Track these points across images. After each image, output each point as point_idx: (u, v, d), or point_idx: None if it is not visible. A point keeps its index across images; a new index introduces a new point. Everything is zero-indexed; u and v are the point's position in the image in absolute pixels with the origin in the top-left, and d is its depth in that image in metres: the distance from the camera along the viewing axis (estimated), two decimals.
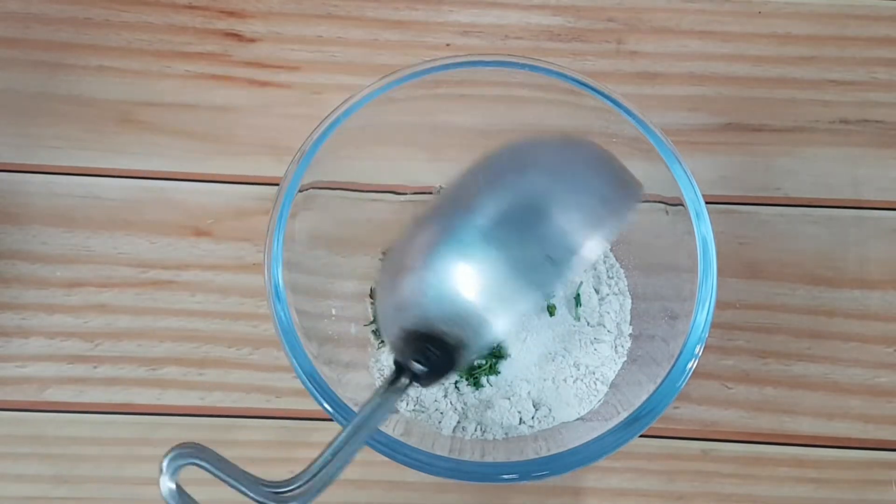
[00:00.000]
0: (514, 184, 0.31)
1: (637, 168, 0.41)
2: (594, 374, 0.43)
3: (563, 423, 0.42)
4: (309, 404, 0.37)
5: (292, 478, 0.28)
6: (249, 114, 0.51)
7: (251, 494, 0.27)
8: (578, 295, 0.44)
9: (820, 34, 0.53)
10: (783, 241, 0.49)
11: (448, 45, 0.52)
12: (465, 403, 0.42)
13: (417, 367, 0.29)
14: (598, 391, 0.42)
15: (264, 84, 0.51)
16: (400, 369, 0.30)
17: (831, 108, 0.52)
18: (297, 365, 0.35)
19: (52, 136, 0.50)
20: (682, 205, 0.39)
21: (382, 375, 0.43)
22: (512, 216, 0.30)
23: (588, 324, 0.44)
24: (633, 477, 0.45)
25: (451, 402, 0.42)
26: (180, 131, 0.50)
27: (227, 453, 0.44)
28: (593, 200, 0.31)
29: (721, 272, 0.39)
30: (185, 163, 0.50)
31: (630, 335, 0.44)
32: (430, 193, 0.47)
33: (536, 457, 0.37)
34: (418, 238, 0.31)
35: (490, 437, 0.41)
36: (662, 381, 0.37)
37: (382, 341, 0.44)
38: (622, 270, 0.45)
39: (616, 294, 0.45)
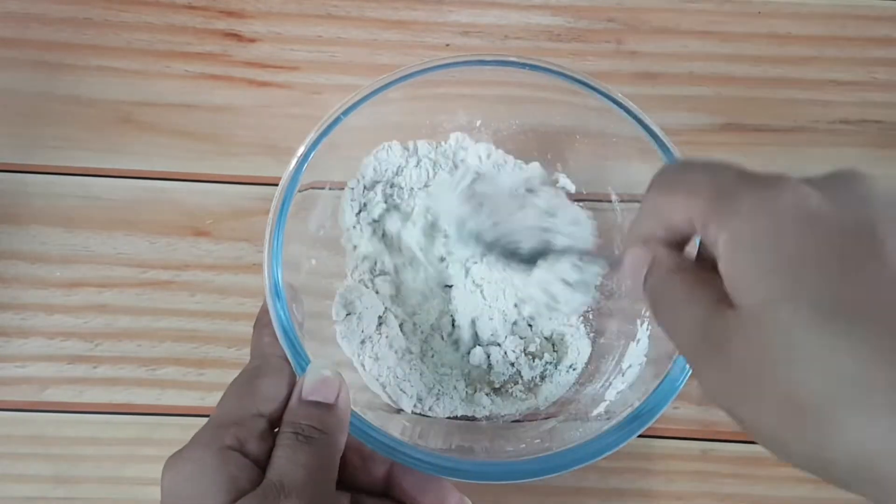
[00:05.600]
0: None
1: (637, 168, 0.41)
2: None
3: (563, 421, 0.42)
4: None
5: None
6: (249, 114, 0.51)
7: None
8: None
9: (820, 34, 0.53)
10: None
11: (448, 45, 0.52)
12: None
13: None
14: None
15: (264, 84, 0.51)
16: None
17: (831, 108, 0.52)
18: (296, 365, 0.35)
19: (52, 136, 0.50)
20: None
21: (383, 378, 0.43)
22: None
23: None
24: (633, 477, 0.45)
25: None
26: (180, 131, 0.50)
27: None
28: None
29: None
30: (185, 163, 0.50)
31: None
32: None
33: (536, 456, 0.37)
34: None
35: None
36: (662, 381, 0.37)
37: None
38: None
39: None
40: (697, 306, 0.24)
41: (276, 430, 0.33)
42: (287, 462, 0.30)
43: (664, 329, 0.26)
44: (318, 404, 0.32)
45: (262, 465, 0.31)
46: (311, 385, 0.33)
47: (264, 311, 0.37)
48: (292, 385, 0.34)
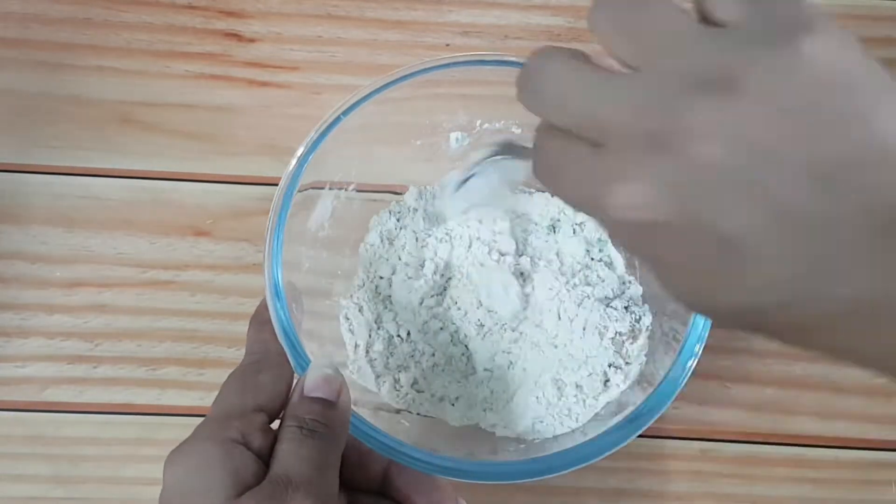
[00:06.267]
0: None
1: None
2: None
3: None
4: None
5: None
6: (249, 114, 0.51)
7: None
8: None
9: None
10: None
11: (448, 45, 0.52)
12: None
13: None
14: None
15: (264, 84, 0.51)
16: None
17: None
18: (296, 364, 0.35)
19: (52, 136, 0.50)
20: None
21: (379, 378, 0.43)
22: None
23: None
24: (633, 477, 0.45)
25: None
26: (180, 131, 0.50)
27: None
28: None
29: None
30: (184, 163, 0.50)
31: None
32: None
33: (537, 456, 0.37)
34: None
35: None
36: (662, 381, 0.37)
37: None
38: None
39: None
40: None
41: (275, 422, 0.33)
42: (292, 456, 0.30)
43: None
44: (320, 401, 0.32)
45: (264, 458, 0.31)
46: (313, 382, 0.33)
47: (263, 307, 0.37)
48: (291, 381, 0.34)
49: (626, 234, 0.24)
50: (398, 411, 0.42)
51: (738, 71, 0.21)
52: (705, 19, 0.23)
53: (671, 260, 0.23)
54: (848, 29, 0.22)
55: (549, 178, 0.26)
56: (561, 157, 0.25)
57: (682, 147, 0.21)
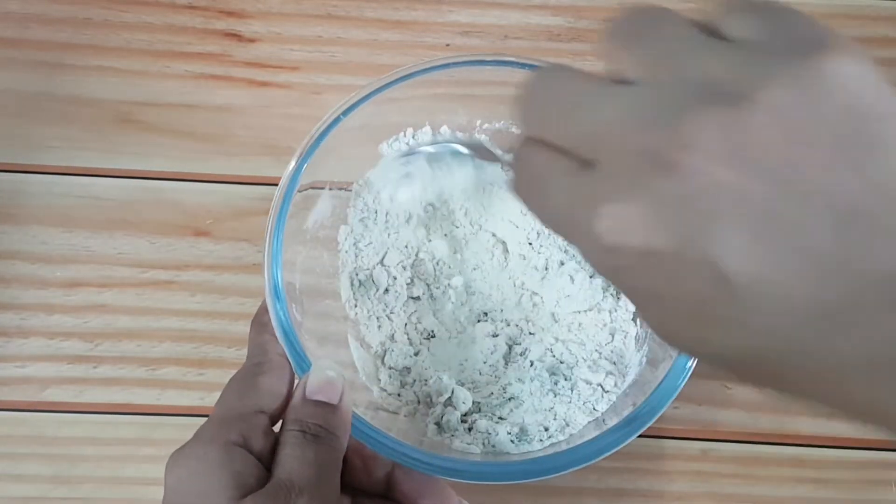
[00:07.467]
0: None
1: None
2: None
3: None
4: None
5: None
6: (249, 114, 0.51)
7: None
8: None
9: None
10: None
11: (448, 45, 0.52)
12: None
13: None
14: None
15: (264, 84, 0.51)
16: None
17: None
18: (296, 365, 0.35)
19: (52, 136, 0.50)
20: None
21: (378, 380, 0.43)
22: None
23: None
24: (633, 477, 0.45)
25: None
26: (180, 131, 0.50)
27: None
28: None
29: None
30: (184, 163, 0.50)
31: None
32: None
33: (536, 456, 0.37)
34: None
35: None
36: (662, 381, 0.37)
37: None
38: None
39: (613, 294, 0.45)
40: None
41: (277, 426, 0.33)
42: (295, 460, 0.30)
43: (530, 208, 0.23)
44: (322, 404, 0.32)
45: (265, 461, 0.31)
46: (315, 384, 0.33)
47: (263, 309, 0.37)
48: (292, 383, 0.34)
49: (611, 262, 0.21)
50: (398, 411, 0.42)
51: (753, 85, 0.19)
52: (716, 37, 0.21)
53: (660, 294, 0.20)
54: (848, 28, 0.22)
55: (528, 195, 0.23)
56: (545, 172, 0.22)
57: (685, 166, 0.19)
